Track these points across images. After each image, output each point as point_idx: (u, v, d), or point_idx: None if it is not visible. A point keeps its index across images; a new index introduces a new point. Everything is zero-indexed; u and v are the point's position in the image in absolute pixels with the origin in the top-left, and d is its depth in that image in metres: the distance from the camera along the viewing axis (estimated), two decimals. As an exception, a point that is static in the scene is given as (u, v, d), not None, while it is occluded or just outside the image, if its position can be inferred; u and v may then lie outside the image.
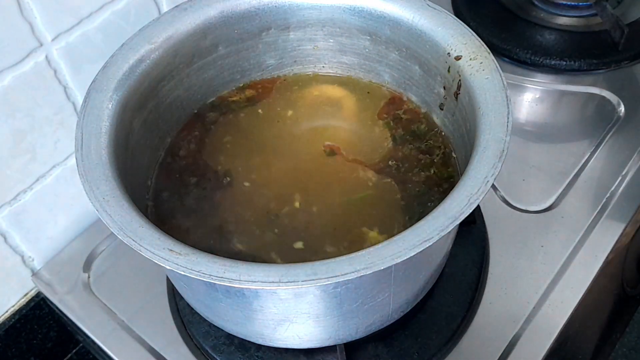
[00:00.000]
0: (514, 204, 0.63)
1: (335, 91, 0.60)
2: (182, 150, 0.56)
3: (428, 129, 0.55)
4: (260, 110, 0.59)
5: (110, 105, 0.47)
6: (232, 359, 0.54)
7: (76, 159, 0.43)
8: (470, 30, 0.50)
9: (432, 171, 0.52)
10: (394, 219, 0.50)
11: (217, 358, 0.54)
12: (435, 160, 0.53)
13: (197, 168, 0.54)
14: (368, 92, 0.59)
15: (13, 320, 0.62)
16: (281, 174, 0.54)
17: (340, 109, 0.58)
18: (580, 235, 0.61)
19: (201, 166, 0.55)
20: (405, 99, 0.58)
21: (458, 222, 0.38)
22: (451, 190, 0.40)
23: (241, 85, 0.60)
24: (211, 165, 0.55)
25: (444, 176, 0.52)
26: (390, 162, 0.54)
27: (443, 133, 0.54)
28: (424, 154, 0.54)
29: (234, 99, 0.59)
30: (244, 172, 0.54)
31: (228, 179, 0.54)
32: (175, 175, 0.54)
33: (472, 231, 0.60)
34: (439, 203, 0.40)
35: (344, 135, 0.56)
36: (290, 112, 0.58)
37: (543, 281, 0.58)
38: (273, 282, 0.36)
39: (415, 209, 0.50)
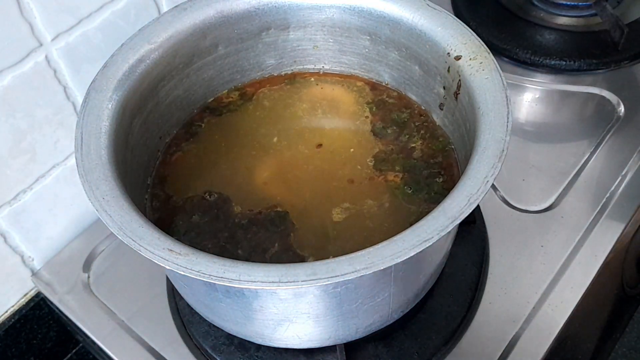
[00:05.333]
0: (514, 204, 0.63)
1: (334, 91, 0.60)
2: (181, 150, 0.56)
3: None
4: (258, 110, 0.59)
5: (110, 106, 0.47)
6: (231, 359, 0.54)
7: (76, 159, 0.43)
8: (470, 30, 0.50)
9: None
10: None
11: (217, 358, 0.54)
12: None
13: (195, 167, 0.55)
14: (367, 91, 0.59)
15: (13, 320, 0.62)
16: (278, 173, 0.54)
17: (339, 108, 0.59)
18: (580, 235, 0.61)
19: (199, 166, 0.55)
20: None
21: (458, 222, 0.38)
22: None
23: (240, 85, 0.60)
24: (209, 165, 0.55)
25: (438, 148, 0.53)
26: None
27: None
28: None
29: (232, 98, 0.59)
30: (242, 172, 0.54)
31: (225, 177, 0.54)
32: (174, 175, 0.54)
33: (472, 231, 0.60)
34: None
35: (338, 133, 0.57)
36: (289, 113, 0.58)
37: (543, 281, 0.58)
38: (273, 282, 0.36)
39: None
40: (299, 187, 0.53)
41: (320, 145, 0.56)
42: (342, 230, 0.49)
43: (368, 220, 0.50)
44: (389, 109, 0.58)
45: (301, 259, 0.48)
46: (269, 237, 0.49)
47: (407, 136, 0.55)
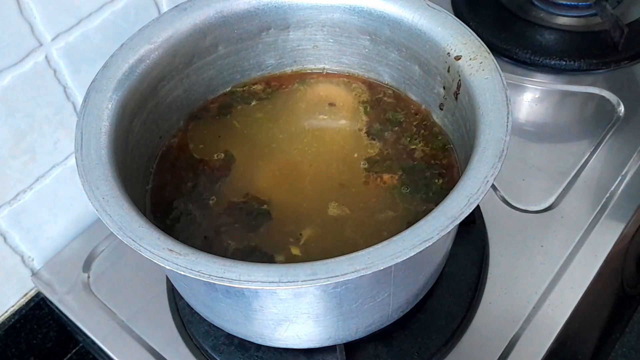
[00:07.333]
0: (514, 204, 0.63)
1: (334, 91, 0.60)
2: (181, 150, 0.56)
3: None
4: (258, 111, 0.59)
5: (109, 106, 0.47)
6: (231, 359, 0.54)
7: (76, 159, 0.43)
8: (470, 30, 0.50)
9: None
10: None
11: (217, 358, 0.54)
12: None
13: (194, 166, 0.55)
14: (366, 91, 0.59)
15: (13, 320, 0.62)
16: (277, 175, 0.54)
17: (338, 108, 0.59)
18: (580, 235, 0.61)
19: (198, 164, 0.55)
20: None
21: (458, 222, 0.38)
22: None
23: (239, 85, 0.60)
24: (208, 164, 0.55)
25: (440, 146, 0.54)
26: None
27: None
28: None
29: (231, 98, 0.60)
30: (241, 172, 0.54)
31: (224, 178, 0.54)
32: (174, 174, 0.54)
33: (472, 231, 0.60)
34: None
35: (337, 133, 0.57)
36: (288, 113, 0.58)
37: (543, 281, 0.58)
38: (273, 282, 0.36)
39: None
40: (295, 186, 0.53)
41: (318, 144, 0.56)
42: (339, 226, 0.49)
43: (365, 219, 0.50)
44: (387, 108, 0.58)
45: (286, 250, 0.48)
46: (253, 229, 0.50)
47: (408, 138, 0.55)
